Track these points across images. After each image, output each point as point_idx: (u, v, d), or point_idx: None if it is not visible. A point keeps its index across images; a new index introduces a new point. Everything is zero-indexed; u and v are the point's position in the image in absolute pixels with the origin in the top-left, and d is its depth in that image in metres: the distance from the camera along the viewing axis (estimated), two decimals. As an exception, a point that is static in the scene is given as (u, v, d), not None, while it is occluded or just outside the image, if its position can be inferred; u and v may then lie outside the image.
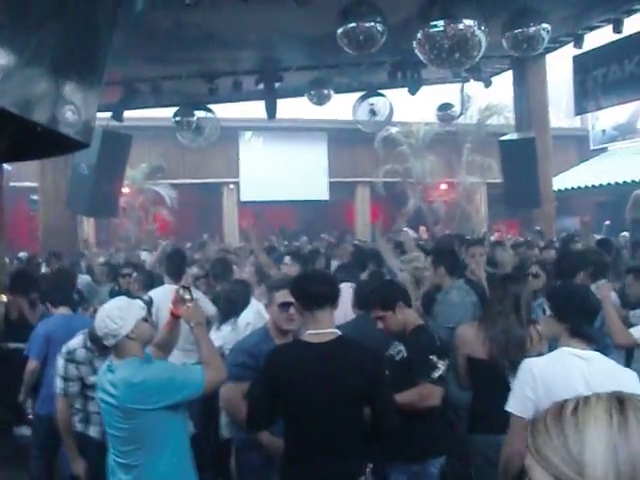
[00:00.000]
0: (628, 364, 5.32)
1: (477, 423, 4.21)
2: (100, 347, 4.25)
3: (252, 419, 3.68)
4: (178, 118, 12.78)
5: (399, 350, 4.12)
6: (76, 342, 4.68)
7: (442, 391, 4.00)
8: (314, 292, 3.58)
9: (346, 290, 5.40)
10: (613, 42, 10.76)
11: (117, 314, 3.37)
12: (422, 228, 19.88)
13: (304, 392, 3.45)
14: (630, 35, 10.42)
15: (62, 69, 2.05)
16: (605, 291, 5.10)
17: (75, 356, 4.63)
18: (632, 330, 4.81)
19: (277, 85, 11.75)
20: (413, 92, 12.21)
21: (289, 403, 3.51)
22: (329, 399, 3.42)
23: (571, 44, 11.50)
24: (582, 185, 21.28)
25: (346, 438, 3.49)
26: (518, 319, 4.28)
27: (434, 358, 3.97)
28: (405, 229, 9.83)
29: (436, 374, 3.95)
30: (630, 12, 10.33)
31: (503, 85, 14.76)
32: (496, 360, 4.16)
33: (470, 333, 4.34)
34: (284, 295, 4.06)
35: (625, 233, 13.54)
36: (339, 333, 3.61)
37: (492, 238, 13.77)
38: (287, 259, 7.15)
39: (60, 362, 4.63)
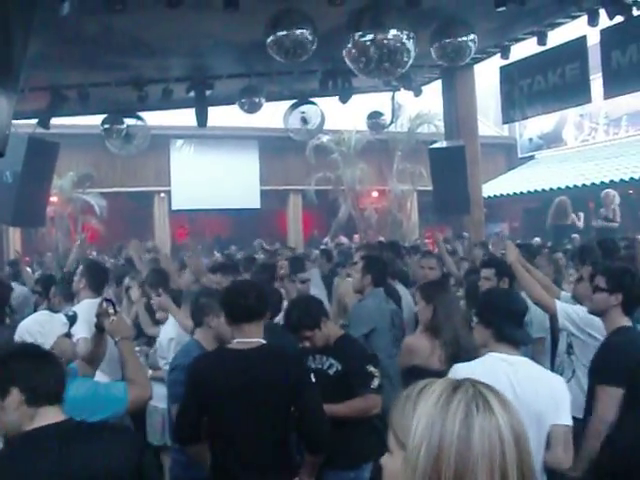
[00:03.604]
0: (553, 356, 5.43)
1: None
2: None
3: (179, 431, 3.65)
4: (107, 126, 12.54)
5: (330, 364, 4.09)
6: None
7: (381, 399, 4.02)
8: (242, 306, 3.58)
9: None
10: (538, 54, 11.02)
11: (37, 329, 3.24)
12: (355, 236, 20.07)
13: (229, 396, 3.45)
14: (553, 47, 10.70)
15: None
16: (512, 252, 5.16)
17: None
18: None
19: (208, 93, 11.64)
20: (344, 100, 12.27)
21: (215, 409, 3.49)
22: (255, 401, 3.43)
23: (498, 55, 11.74)
24: (510, 192, 21.75)
25: (273, 442, 3.49)
26: (465, 324, 4.32)
27: (370, 367, 4.00)
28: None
29: (376, 383, 3.98)
30: (553, 25, 10.64)
31: (433, 94, 14.96)
32: (447, 369, 4.17)
33: (421, 343, 4.35)
34: None
35: (537, 239, 13.96)
36: (264, 342, 3.63)
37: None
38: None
39: None
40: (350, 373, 4.03)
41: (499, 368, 3.29)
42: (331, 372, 4.09)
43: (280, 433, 3.53)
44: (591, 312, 4.21)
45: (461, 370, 3.28)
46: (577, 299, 5.21)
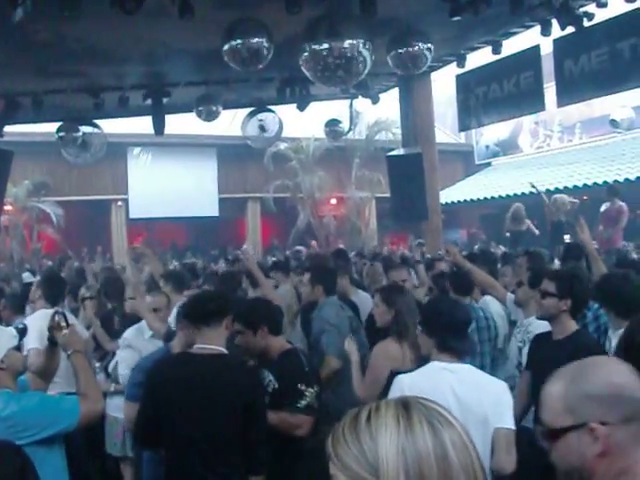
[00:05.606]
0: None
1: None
2: None
3: (138, 433, 3.75)
4: (62, 133, 12.33)
5: (269, 380, 3.99)
6: None
7: (312, 421, 3.88)
8: (198, 309, 3.69)
9: None
10: (493, 62, 11.19)
11: None
12: (313, 243, 20.06)
13: (181, 399, 3.48)
14: (508, 56, 10.89)
15: None
16: (455, 254, 5.58)
17: None
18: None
19: (165, 101, 11.56)
20: (302, 108, 12.29)
21: (168, 412, 3.52)
22: (205, 408, 3.44)
23: (454, 63, 11.86)
24: (468, 198, 22.01)
25: (226, 448, 3.49)
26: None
27: (302, 386, 3.87)
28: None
29: (303, 402, 3.85)
30: (507, 35, 10.81)
31: (391, 101, 15.04)
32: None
33: (393, 348, 4.35)
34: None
35: (476, 246, 14.14)
36: (225, 351, 3.65)
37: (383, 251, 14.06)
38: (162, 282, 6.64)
39: None
40: (281, 390, 3.93)
41: (441, 376, 3.32)
42: (270, 389, 3.98)
43: (234, 441, 3.50)
44: (540, 317, 4.27)
45: (404, 380, 3.32)
46: (518, 304, 5.39)
